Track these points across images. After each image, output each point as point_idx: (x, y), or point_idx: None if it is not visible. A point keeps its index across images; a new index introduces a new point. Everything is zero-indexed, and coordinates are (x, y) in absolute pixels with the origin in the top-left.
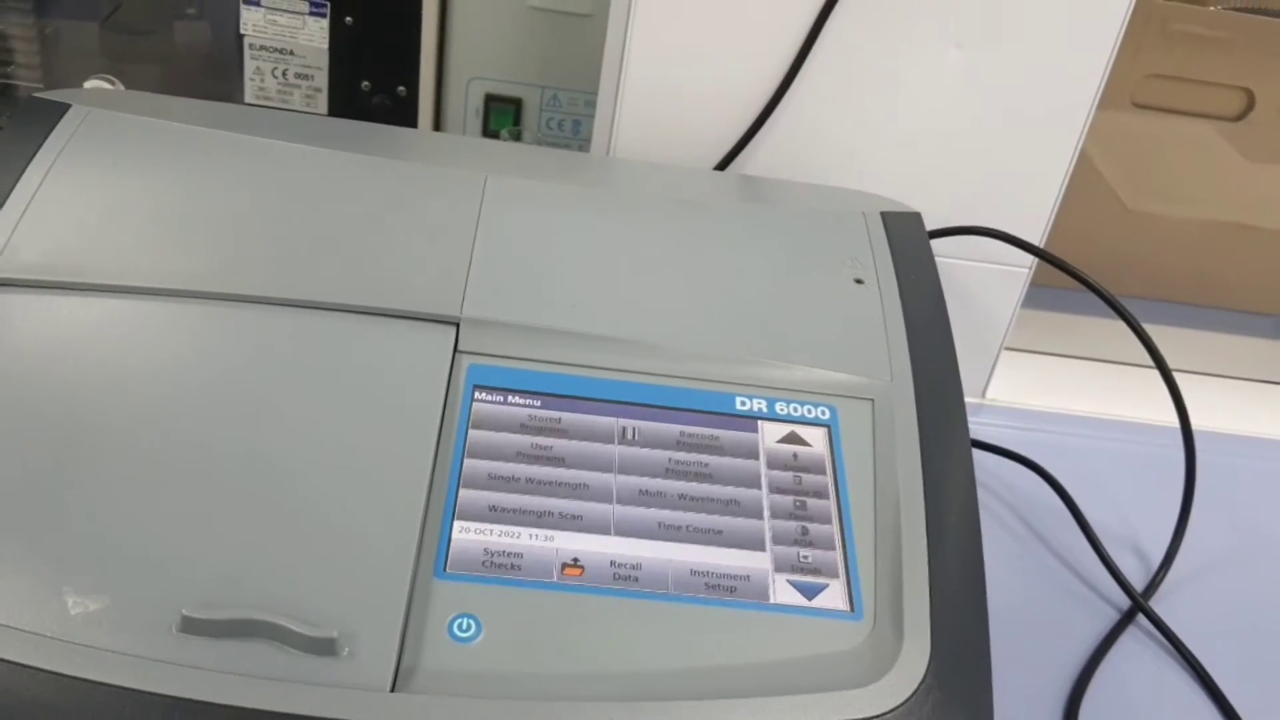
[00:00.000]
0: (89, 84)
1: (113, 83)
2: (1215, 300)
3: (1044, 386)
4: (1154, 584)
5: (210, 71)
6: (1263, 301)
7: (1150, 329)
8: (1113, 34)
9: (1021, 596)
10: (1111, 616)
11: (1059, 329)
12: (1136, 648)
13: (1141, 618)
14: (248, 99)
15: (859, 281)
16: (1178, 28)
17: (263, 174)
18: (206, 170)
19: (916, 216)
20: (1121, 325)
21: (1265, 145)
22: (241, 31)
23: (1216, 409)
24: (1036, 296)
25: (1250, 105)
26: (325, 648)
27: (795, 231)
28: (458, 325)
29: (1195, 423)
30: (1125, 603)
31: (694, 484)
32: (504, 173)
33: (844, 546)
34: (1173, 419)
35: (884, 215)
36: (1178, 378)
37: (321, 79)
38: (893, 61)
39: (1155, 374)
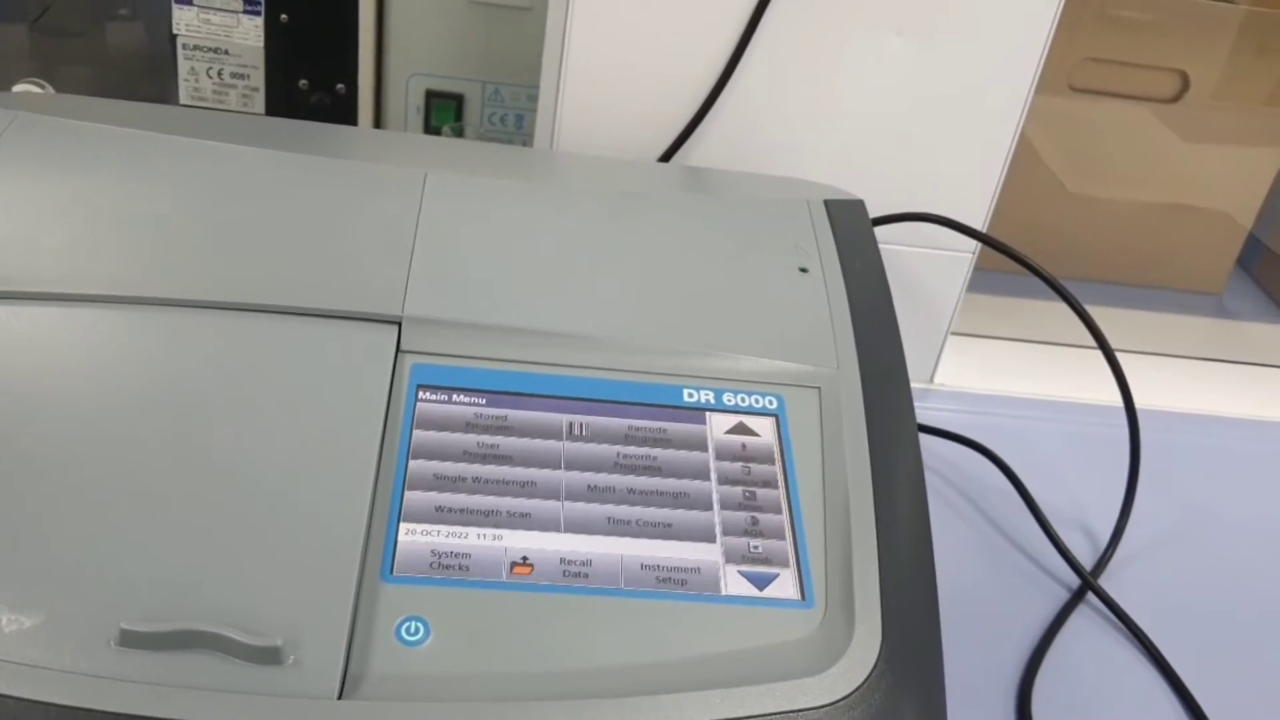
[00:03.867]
0: (18, 88)
1: (43, 86)
2: (1155, 280)
3: (990, 370)
4: (1102, 562)
5: (144, 73)
6: (1201, 281)
7: (1092, 310)
8: (1049, 16)
9: (972, 579)
10: (1062, 596)
11: (1003, 312)
12: (1087, 626)
13: (1091, 596)
14: (182, 100)
15: (803, 270)
16: (1114, 12)
17: (197, 176)
18: (138, 173)
19: (859, 204)
20: (1064, 307)
21: (1200, 126)
22: (174, 31)
23: (1159, 387)
24: (980, 280)
25: (1185, 87)
26: (269, 656)
27: (739, 221)
28: (399, 324)
29: (1138, 401)
30: (1075, 582)
31: (643, 478)
32: (444, 169)
33: (794, 535)
34: (1117, 398)
35: (827, 203)
36: (1120, 358)
37: (258, 78)
38: (834, 49)
39: (1099, 354)
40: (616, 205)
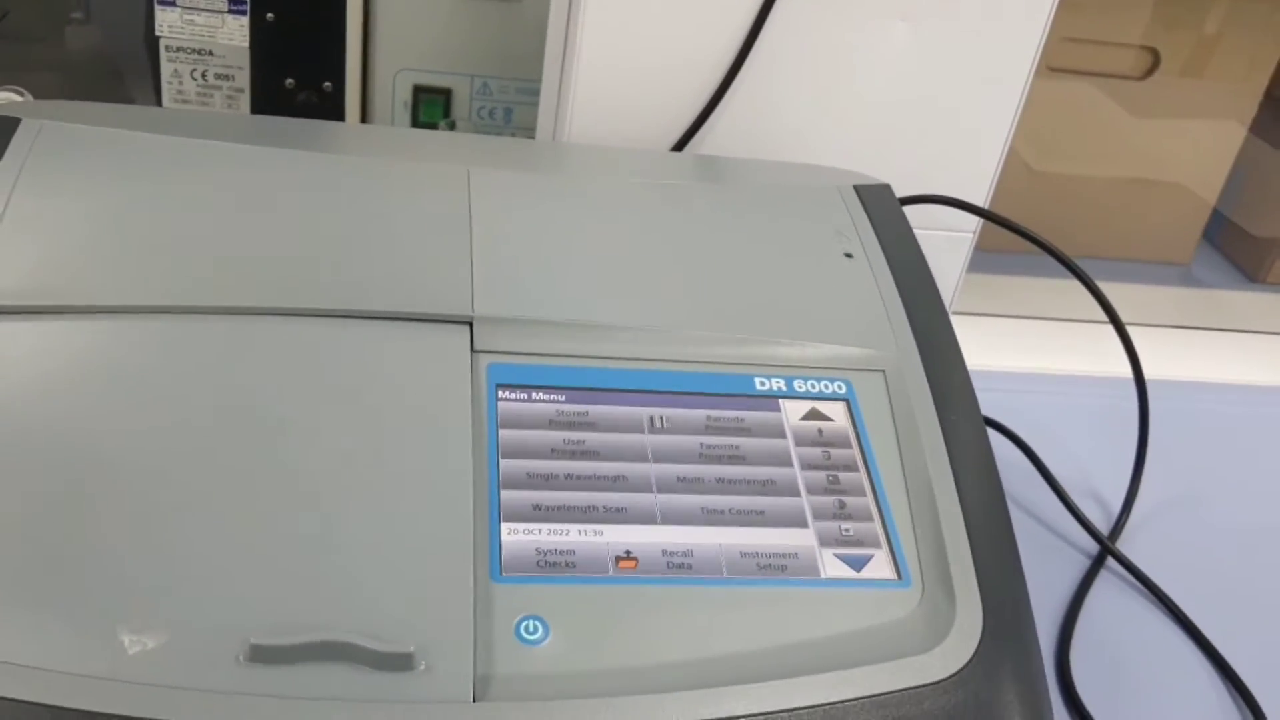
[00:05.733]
0: None
1: (21, 94)
2: (1124, 253)
3: (990, 346)
4: (1118, 528)
5: (110, 75)
6: (1169, 252)
7: (1062, 283)
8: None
9: None
10: (1082, 564)
11: (994, 290)
12: (1111, 591)
13: (1112, 562)
14: (165, 102)
15: (849, 255)
16: None
17: (243, 180)
18: (184, 179)
19: (887, 188)
20: (1050, 283)
21: (1165, 102)
22: (157, 33)
23: (1140, 356)
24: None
25: (1156, 64)
26: (402, 663)
27: (779, 209)
28: (471, 324)
29: (1117, 371)
30: (1092, 550)
31: (728, 467)
32: (484, 165)
33: (881, 516)
34: (1110, 369)
35: (858, 189)
36: (1096, 329)
37: (243, 78)
38: (841, 36)
39: (1093, 328)
40: (657, 197)
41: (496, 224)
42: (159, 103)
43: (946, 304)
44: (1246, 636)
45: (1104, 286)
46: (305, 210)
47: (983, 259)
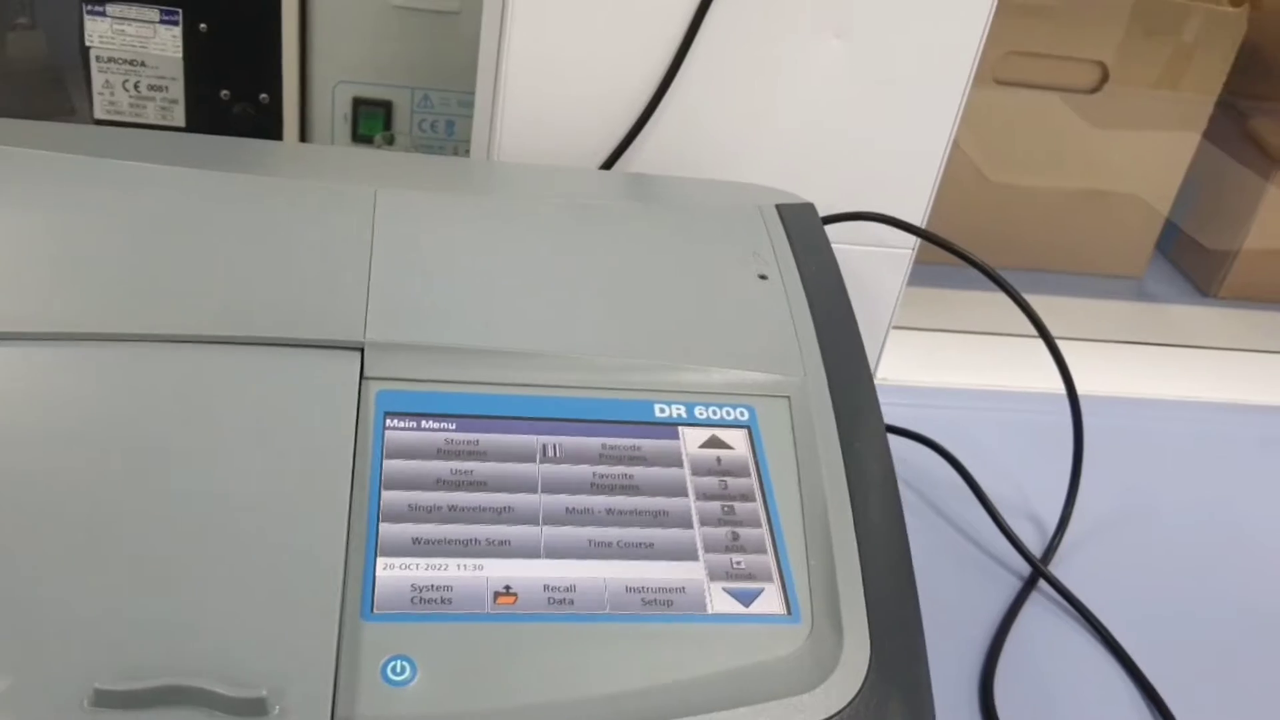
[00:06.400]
0: None
1: None
2: (1077, 266)
3: (931, 362)
4: (1051, 549)
5: (50, 85)
6: (1122, 265)
7: (1008, 299)
8: (984, 14)
9: (925, 572)
10: (1014, 584)
11: (940, 305)
12: (1041, 613)
13: (1044, 583)
14: (97, 114)
15: (763, 277)
16: (1036, 2)
17: (134, 201)
18: (70, 200)
19: (810, 207)
20: (1000, 297)
21: (1117, 114)
22: (87, 43)
23: (1086, 372)
24: (915, 273)
25: (1105, 78)
26: (255, 708)
27: (696, 230)
28: (362, 350)
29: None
30: (1026, 570)
31: (620, 497)
32: (393, 185)
33: (775, 548)
34: (1055, 385)
35: (779, 208)
36: (1042, 345)
37: (177, 90)
38: (774, 53)
39: (1036, 343)
40: (572, 218)
41: (399, 247)
42: (91, 114)
43: (887, 320)
44: (1175, 662)
45: (1054, 301)
46: (202, 233)
47: (933, 273)
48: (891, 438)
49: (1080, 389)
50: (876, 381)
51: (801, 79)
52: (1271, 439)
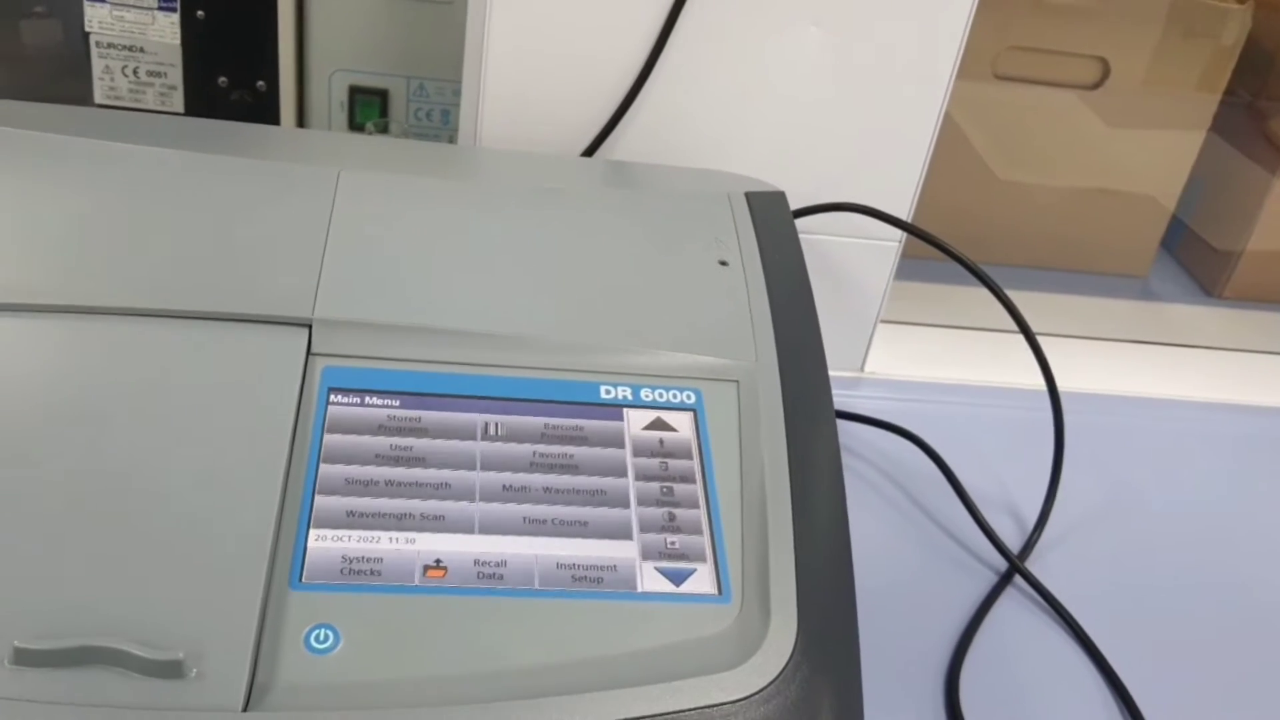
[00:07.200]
0: None
1: None
2: (1081, 264)
3: (920, 357)
4: (1029, 545)
5: (64, 71)
6: (1126, 264)
7: (1020, 295)
8: (967, 3)
9: (901, 565)
10: (990, 580)
11: (932, 299)
12: (1014, 609)
13: (1019, 579)
14: (97, 99)
15: (723, 263)
16: None
17: (103, 179)
18: (37, 178)
19: (780, 195)
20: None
21: (1123, 111)
22: (86, 29)
23: (1086, 370)
24: (908, 268)
25: (1106, 74)
26: (170, 670)
27: (659, 216)
28: (310, 326)
29: (1064, 384)
30: (1003, 565)
31: (559, 476)
32: (359, 167)
33: (711, 530)
34: (1041, 381)
35: (748, 195)
36: (1047, 341)
37: (176, 76)
38: (755, 41)
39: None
40: (534, 201)
41: (355, 226)
42: (93, 99)
43: (874, 313)
44: (1148, 661)
45: (1057, 299)
46: (161, 210)
47: (925, 268)
48: (874, 431)
49: (1077, 386)
50: (863, 375)
51: (782, 67)
52: (1261, 438)
